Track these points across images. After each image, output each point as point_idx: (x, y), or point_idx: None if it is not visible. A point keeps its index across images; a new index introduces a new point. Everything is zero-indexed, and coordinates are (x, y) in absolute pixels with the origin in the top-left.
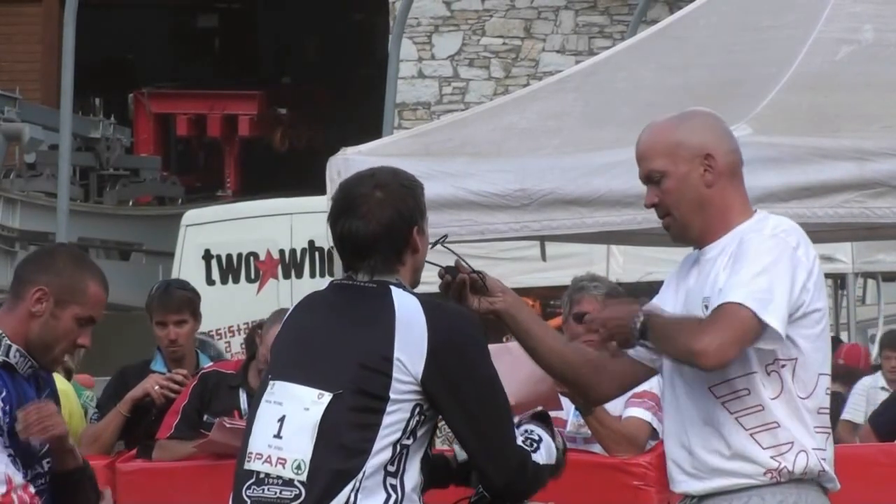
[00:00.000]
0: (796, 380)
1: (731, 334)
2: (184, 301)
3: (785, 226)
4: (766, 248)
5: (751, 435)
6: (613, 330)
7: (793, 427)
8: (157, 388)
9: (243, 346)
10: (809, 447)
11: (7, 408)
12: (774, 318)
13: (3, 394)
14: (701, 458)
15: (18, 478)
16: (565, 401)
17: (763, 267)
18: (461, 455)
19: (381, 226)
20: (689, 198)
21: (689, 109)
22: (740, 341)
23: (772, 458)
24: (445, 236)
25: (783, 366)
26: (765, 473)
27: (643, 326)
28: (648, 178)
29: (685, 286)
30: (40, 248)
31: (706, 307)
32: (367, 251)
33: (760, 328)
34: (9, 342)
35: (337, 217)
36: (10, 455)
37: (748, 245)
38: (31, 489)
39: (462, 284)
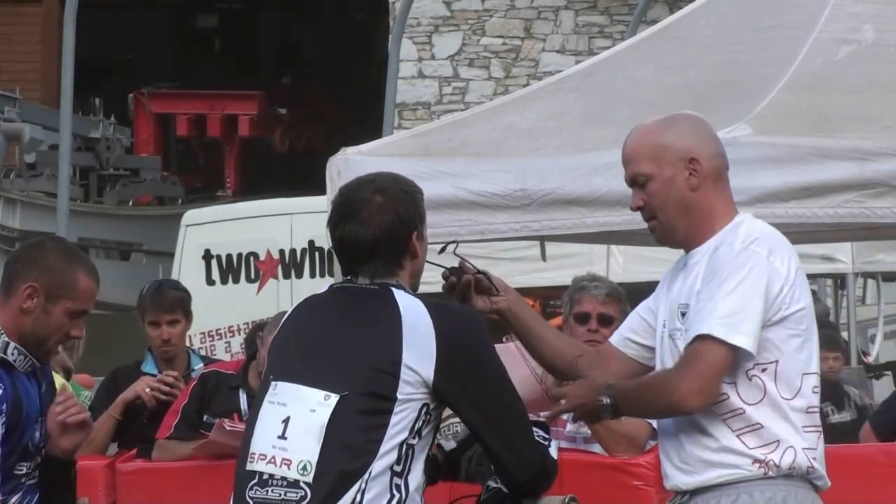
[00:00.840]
0: (779, 382)
1: (706, 375)
2: (176, 301)
3: (756, 234)
4: (735, 266)
5: (737, 436)
6: (580, 413)
7: (778, 428)
8: (147, 390)
9: (243, 345)
10: (798, 446)
11: (3, 406)
12: (744, 338)
13: (1, 391)
14: (690, 452)
15: None
16: None
17: (732, 286)
18: (448, 446)
19: (381, 231)
20: (674, 201)
21: (675, 113)
22: (717, 378)
23: (760, 454)
24: (455, 243)
25: (763, 370)
26: (753, 463)
27: (612, 400)
28: (633, 182)
29: (673, 290)
30: (29, 242)
31: (682, 314)
32: (366, 256)
33: (734, 354)
34: (6, 339)
35: (337, 222)
36: None
37: (718, 263)
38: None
39: (467, 285)
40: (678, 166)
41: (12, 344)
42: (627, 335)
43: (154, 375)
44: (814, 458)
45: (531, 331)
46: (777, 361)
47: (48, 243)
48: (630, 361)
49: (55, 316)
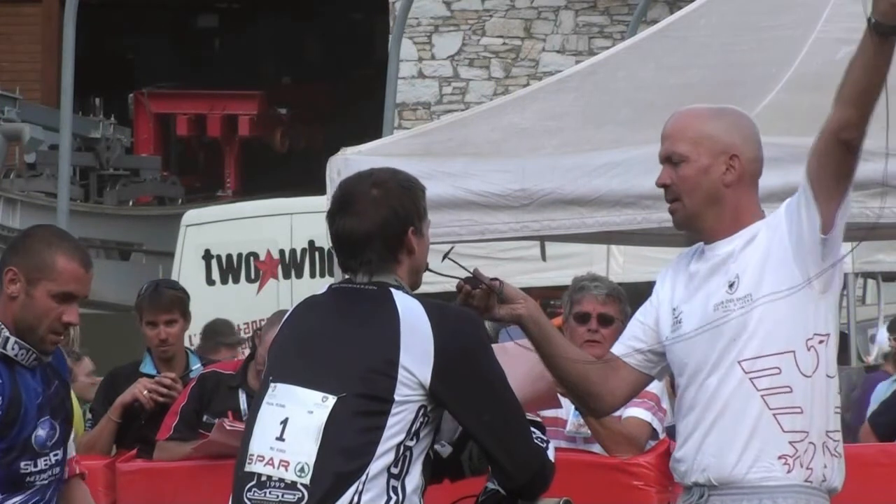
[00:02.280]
0: (828, 358)
1: None
2: (174, 300)
3: None
4: None
5: (774, 415)
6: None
7: (814, 414)
8: (145, 392)
9: (242, 348)
10: (823, 435)
11: (0, 400)
12: None
13: None
14: (718, 435)
15: None
16: (565, 401)
17: None
18: (445, 452)
19: (376, 225)
20: (705, 190)
21: (727, 106)
22: None
23: (789, 443)
24: (451, 247)
25: (821, 341)
26: (779, 458)
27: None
28: (668, 159)
29: (694, 278)
30: (21, 232)
31: (730, 285)
32: (361, 250)
33: None
34: (7, 334)
35: (334, 215)
36: None
37: None
38: None
39: (487, 294)
40: (719, 159)
41: (13, 339)
42: (631, 343)
43: (152, 376)
44: (831, 450)
45: (550, 339)
46: (829, 335)
47: (35, 230)
48: (634, 372)
49: (38, 299)
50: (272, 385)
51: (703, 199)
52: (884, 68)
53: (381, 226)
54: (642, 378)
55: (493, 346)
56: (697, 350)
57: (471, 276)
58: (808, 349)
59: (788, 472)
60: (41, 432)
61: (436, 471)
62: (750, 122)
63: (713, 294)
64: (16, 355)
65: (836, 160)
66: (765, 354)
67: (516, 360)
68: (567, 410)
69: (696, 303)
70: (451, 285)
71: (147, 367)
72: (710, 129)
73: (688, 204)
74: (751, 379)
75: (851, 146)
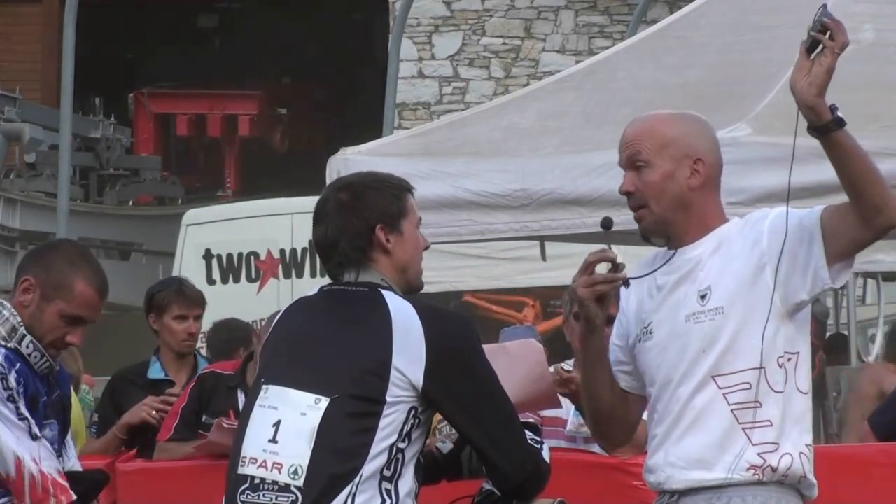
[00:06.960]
0: (798, 375)
1: None
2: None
3: None
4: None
5: (743, 429)
6: (808, 93)
7: (786, 427)
8: (153, 413)
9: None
10: (801, 446)
11: (20, 387)
12: None
13: (18, 366)
14: (688, 447)
15: (28, 454)
16: (565, 401)
17: None
18: (445, 448)
19: (338, 228)
20: (671, 195)
21: (683, 111)
22: None
23: (758, 454)
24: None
25: (789, 359)
26: (748, 469)
27: (837, 124)
28: (630, 165)
29: (662, 289)
30: (46, 242)
31: (702, 297)
32: (331, 254)
33: None
34: (24, 332)
35: (312, 223)
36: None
37: (780, 222)
38: (45, 466)
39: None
40: (683, 163)
41: (29, 337)
42: (620, 368)
43: (159, 382)
44: (809, 460)
45: (602, 359)
46: (799, 353)
47: (62, 244)
48: (638, 398)
49: (48, 316)
50: (264, 387)
51: (670, 204)
52: (846, 159)
53: (342, 228)
54: (644, 402)
55: (494, 345)
56: (667, 360)
57: (623, 273)
58: (780, 367)
59: (759, 480)
60: (48, 433)
61: (434, 472)
62: (710, 127)
63: (682, 304)
64: (29, 355)
65: (862, 237)
66: (737, 370)
67: (516, 360)
68: (567, 410)
69: (665, 313)
70: (450, 285)
71: (154, 371)
72: (672, 134)
73: (656, 210)
74: (723, 394)
75: (879, 229)
